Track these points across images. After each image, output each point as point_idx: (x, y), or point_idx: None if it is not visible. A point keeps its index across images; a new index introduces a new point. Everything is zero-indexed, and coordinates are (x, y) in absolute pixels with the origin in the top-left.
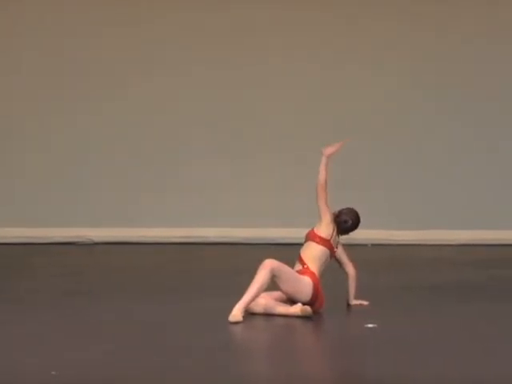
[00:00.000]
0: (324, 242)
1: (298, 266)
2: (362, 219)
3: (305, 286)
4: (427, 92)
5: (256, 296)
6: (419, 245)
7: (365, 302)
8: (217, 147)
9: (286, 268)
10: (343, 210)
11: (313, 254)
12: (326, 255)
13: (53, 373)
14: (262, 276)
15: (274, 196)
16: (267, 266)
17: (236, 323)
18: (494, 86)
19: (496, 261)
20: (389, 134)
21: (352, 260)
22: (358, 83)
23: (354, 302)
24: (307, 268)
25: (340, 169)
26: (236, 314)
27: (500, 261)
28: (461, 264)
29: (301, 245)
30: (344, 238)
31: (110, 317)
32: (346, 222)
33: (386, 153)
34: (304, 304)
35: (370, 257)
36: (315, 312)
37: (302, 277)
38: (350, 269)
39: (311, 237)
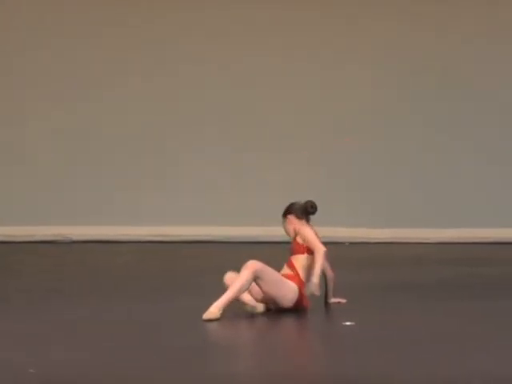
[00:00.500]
0: (309, 249)
1: (287, 270)
2: (341, 218)
3: (290, 290)
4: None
5: (235, 297)
6: (397, 243)
7: (343, 300)
8: (202, 146)
9: (270, 270)
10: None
11: (302, 264)
12: (312, 258)
13: (30, 371)
14: (243, 277)
15: (253, 195)
16: (250, 268)
17: (210, 321)
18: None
19: (475, 259)
20: (370, 133)
21: (330, 258)
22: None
23: (332, 299)
24: (297, 275)
25: (320, 169)
26: (213, 311)
27: (479, 259)
28: (440, 262)
29: (283, 243)
30: (321, 236)
31: (86, 315)
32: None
33: (365, 152)
34: (286, 309)
35: (348, 255)
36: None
37: (287, 281)
38: (329, 270)
39: (299, 250)
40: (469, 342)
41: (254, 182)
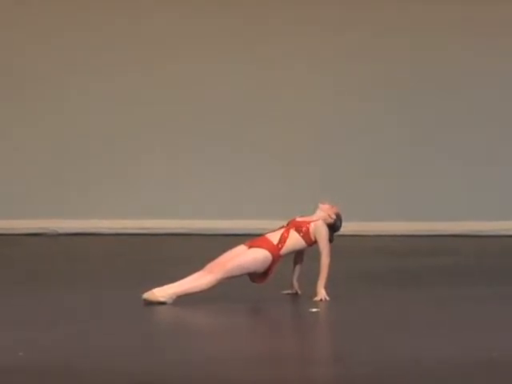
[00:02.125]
0: (310, 243)
1: (272, 234)
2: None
3: (260, 261)
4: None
5: (186, 293)
6: (358, 235)
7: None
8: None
9: (235, 267)
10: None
11: (294, 244)
12: (302, 246)
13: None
14: (206, 283)
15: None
16: (217, 274)
17: (149, 301)
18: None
19: (429, 250)
20: (334, 124)
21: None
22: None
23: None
24: (276, 246)
25: (289, 169)
26: (157, 294)
27: (432, 250)
28: (397, 253)
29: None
30: None
31: (71, 302)
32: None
33: (328, 145)
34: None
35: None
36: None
37: (256, 254)
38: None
39: (306, 239)
40: (422, 328)
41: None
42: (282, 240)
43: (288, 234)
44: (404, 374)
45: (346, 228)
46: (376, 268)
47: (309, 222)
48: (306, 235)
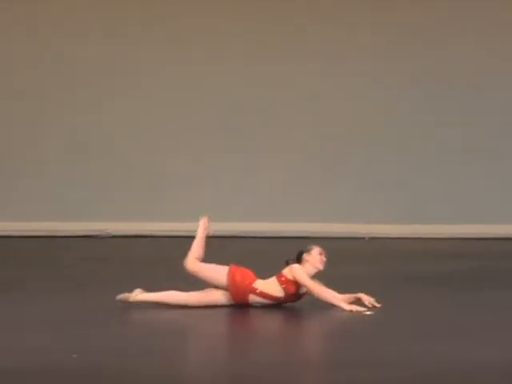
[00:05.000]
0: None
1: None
2: (360, 216)
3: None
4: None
5: (160, 302)
6: (413, 238)
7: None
8: (226, 144)
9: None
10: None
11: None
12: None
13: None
14: (183, 300)
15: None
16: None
17: (123, 301)
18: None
19: (485, 253)
20: (386, 134)
21: (349, 253)
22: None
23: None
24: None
25: (335, 168)
26: (130, 295)
27: (482, 253)
28: (451, 256)
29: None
30: (342, 232)
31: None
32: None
33: (383, 152)
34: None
35: (367, 249)
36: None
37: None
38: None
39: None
40: (471, 331)
41: (270, 180)
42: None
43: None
44: (454, 378)
45: (395, 231)
46: (424, 271)
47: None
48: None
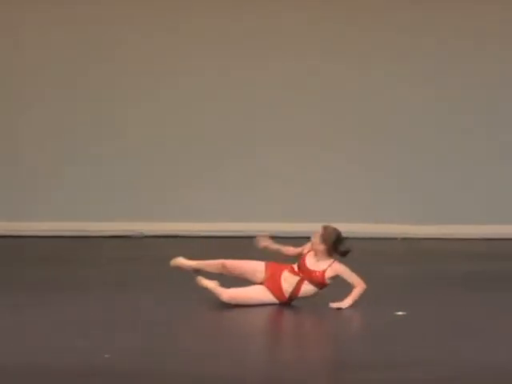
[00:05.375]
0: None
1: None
2: (392, 217)
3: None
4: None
5: (199, 266)
6: (445, 239)
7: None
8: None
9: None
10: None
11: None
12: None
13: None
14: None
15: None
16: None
17: (175, 266)
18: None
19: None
20: (418, 133)
21: (380, 252)
22: (400, 85)
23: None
24: (297, 291)
25: (371, 173)
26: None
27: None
28: (483, 257)
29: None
30: (375, 232)
31: (149, 303)
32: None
33: (413, 153)
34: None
35: (400, 249)
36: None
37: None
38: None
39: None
40: (499, 333)
41: (300, 182)
42: (295, 292)
43: (301, 286)
44: (482, 380)
45: (425, 231)
46: (454, 271)
47: (322, 271)
48: (319, 284)
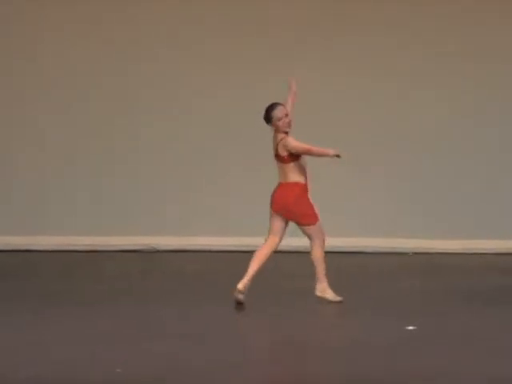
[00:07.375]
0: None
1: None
2: (403, 231)
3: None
4: None
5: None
6: (459, 253)
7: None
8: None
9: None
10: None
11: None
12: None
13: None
14: (261, 253)
15: None
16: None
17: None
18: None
19: None
20: (433, 146)
21: (392, 268)
22: (412, 96)
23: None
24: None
25: (381, 181)
26: (240, 287)
27: None
28: (497, 271)
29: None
30: (384, 247)
31: (164, 317)
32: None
33: (430, 166)
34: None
35: (411, 264)
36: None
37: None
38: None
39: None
40: None
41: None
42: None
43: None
44: None
45: (450, 246)
46: (479, 286)
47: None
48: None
